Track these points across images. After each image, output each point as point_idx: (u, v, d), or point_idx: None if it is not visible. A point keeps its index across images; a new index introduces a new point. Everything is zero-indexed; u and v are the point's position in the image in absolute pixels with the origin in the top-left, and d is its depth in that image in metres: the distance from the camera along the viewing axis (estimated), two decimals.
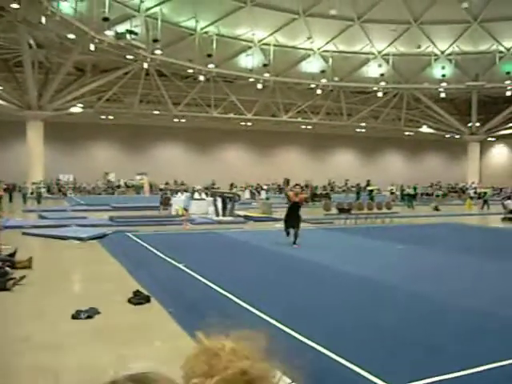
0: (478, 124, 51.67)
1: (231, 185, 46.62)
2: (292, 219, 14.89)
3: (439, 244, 16.61)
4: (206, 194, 28.93)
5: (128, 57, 38.08)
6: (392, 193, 40.25)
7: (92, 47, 34.54)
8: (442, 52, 47.12)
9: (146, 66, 40.19)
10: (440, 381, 5.26)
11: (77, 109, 42.88)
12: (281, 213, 27.49)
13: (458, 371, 5.45)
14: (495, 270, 11.98)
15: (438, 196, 38.94)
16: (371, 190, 35.93)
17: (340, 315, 7.88)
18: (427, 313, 8.05)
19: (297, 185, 18.37)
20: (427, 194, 46.18)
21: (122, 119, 47.99)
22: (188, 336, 6.96)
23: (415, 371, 5.48)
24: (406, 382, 5.17)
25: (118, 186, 48.95)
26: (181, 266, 11.54)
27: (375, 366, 5.59)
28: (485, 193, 33.59)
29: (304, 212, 26.68)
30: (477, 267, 12.46)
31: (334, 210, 24.34)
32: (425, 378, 5.27)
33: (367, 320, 7.59)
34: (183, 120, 49.27)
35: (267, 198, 35.68)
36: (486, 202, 32.36)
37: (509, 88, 46.44)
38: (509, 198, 31.34)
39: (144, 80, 43.06)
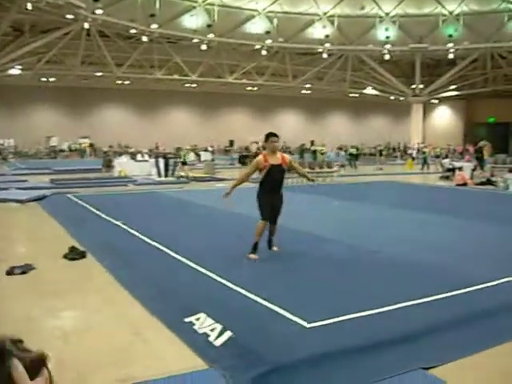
0: (421, 86, 52.47)
1: (178, 149, 46.26)
2: (275, 202, 8.60)
3: (375, 200, 17.24)
4: (150, 155, 28.91)
5: (68, 16, 36.98)
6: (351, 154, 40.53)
7: (29, 6, 33.49)
8: (387, 14, 47.52)
9: (86, 26, 39.09)
10: (354, 318, 5.70)
11: (15, 71, 41.60)
12: (224, 173, 28.03)
13: (372, 309, 5.90)
14: (427, 222, 12.60)
15: (381, 156, 39.80)
16: (315, 151, 36.48)
17: (270, 264, 8.26)
18: (355, 260, 8.52)
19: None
20: (370, 154, 47.19)
21: (63, 81, 46.89)
22: (121, 287, 7.23)
23: (332, 311, 5.88)
24: (322, 319, 5.59)
25: (61, 150, 48.12)
26: (119, 223, 11.73)
27: (294, 306, 5.98)
28: (424, 152, 34.46)
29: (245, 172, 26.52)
30: (407, 219, 13.06)
31: None
32: (339, 316, 5.69)
33: (293, 267, 8.01)
34: (127, 82, 48.47)
35: (212, 160, 35.80)
36: (425, 161, 33.28)
37: (451, 51, 47.23)
38: (446, 157, 32.37)
39: (85, 41, 42.03)
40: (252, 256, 8.34)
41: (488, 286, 6.87)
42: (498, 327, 5.68)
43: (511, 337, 5.40)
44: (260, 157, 8.51)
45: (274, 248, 8.90)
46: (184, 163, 25.60)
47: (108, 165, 26.30)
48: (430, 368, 4.66)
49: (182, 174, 24.66)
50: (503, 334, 5.48)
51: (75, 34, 40.29)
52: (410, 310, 6.01)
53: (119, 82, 48.04)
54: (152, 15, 40.91)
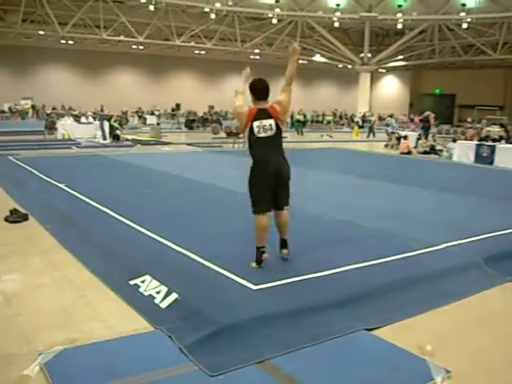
0: (369, 55, 52.82)
1: (125, 112, 45.42)
2: (276, 177, 6.05)
3: (320, 166, 17.47)
4: (94, 118, 28.34)
5: None
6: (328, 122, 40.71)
7: None
8: None
9: None
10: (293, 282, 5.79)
11: None
12: (170, 137, 27.83)
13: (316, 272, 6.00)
14: (372, 188, 12.87)
15: (328, 122, 40.09)
16: None
17: (219, 227, 8.27)
18: (302, 223, 8.59)
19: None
20: (317, 122, 47.50)
21: (4, 39, 45.13)
22: (64, 249, 7.13)
23: (278, 273, 5.95)
24: (269, 281, 5.65)
25: (2, 112, 46.64)
26: (61, 185, 11.52)
27: (241, 268, 6.04)
28: (370, 120, 34.87)
29: (192, 136, 26.74)
30: (354, 186, 13.27)
31: (223, 134, 24.72)
32: (286, 278, 5.77)
33: (241, 230, 8.02)
34: (71, 42, 47.16)
35: (158, 124, 35.39)
36: (371, 129, 33.68)
37: (400, 21, 47.55)
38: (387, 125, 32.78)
39: None
40: (254, 265, 6.10)
41: (429, 251, 7.06)
42: (437, 290, 5.86)
43: (451, 298, 5.61)
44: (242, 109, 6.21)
45: (284, 251, 6.39)
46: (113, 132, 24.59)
47: (51, 127, 25.65)
48: (375, 329, 4.80)
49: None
50: (442, 296, 5.68)
51: None
52: (354, 272, 6.14)
53: (63, 41, 46.65)
54: None
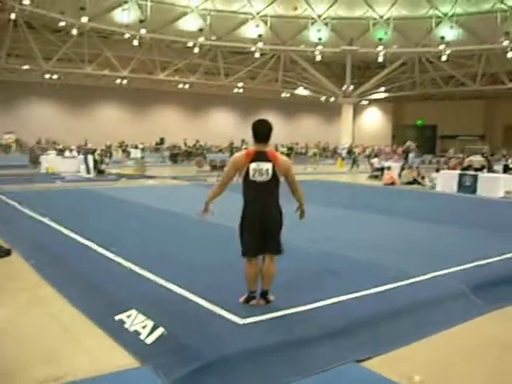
0: (351, 87, 53.48)
1: (109, 146, 45.33)
2: (266, 224, 5.85)
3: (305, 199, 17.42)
4: (78, 152, 28.33)
5: None
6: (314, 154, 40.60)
7: None
8: (319, 16, 48.18)
9: (13, 16, 37.94)
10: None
11: None
12: (155, 170, 27.80)
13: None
14: (356, 220, 12.88)
15: (314, 155, 40.29)
16: (246, 149, 36.60)
17: (203, 257, 8.22)
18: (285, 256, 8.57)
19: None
20: (300, 154, 47.83)
21: None
22: (48, 285, 7.04)
23: (265, 307, 5.92)
24: (256, 315, 5.61)
25: None
26: (45, 219, 11.43)
27: (227, 302, 5.98)
28: (354, 152, 35.17)
29: (176, 170, 26.76)
30: (337, 217, 13.29)
31: (207, 168, 24.78)
32: (273, 312, 5.73)
33: (225, 261, 7.98)
34: (55, 76, 47.28)
35: (142, 157, 35.43)
36: (355, 161, 33.94)
37: (381, 54, 48.32)
38: (376, 156, 33.08)
39: (12, 32, 40.76)
40: (242, 301, 6.00)
41: (414, 281, 7.06)
42: (424, 320, 5.86)
43: (439, 329, 5.61)
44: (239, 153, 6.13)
45: (261, 301, 6.02)
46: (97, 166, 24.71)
47: (35, 161, 25.60)
48: (364, 360, 4.78)
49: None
50: (429, 326, 5.67)
51: (1, 24, 39.00)
52: (341, 304, 6.12)
53: (47, 76, 46.73)
54: (82, 8, 40.06)
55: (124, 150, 43.87)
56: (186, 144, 46.16)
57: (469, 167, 22.29)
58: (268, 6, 46.98)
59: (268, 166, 5.73)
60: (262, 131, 5.85)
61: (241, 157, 5.84)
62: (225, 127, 57.58)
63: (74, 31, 41.25)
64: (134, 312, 5.70)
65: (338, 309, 5.99)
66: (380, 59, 49.35)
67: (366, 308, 6.02)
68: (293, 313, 5.78)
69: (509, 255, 8.73)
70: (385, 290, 6.65)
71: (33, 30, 41.75)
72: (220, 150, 51.47)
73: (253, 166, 5.71)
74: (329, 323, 5.53)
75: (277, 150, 36.65)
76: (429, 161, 40.84)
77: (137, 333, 5.24)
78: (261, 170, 5.72)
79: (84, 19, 40.61)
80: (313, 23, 48.63)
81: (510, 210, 16.65)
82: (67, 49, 43.93)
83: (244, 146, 38.92)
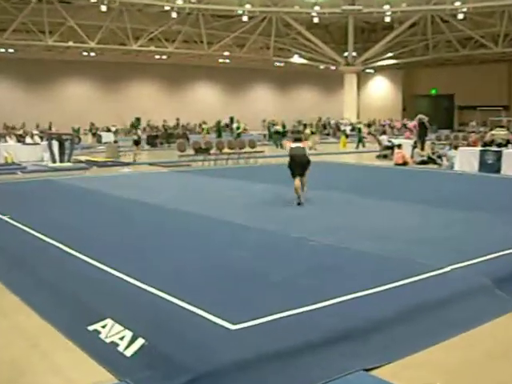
0: (354, 54, 53.27)
1: (76, 130, 45.12)
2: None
3: None
4: (41, 137, 28.22)
5: None
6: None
7: None
8: None
9: None
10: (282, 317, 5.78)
11: None
12: (130, 156, 27.68)
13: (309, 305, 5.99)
14: (365, 207, 12.94)
15: (312, 133, 40.26)
16: (238, 127, 36.68)
17: (184, 254, 8.26)
18: (286, 250, 8.62)
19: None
20: (298, 132, 47.68)
21: None
22: (11, 293, 7.05)
23: (260, 309, 5.94)
24: (249, 319, 5.64)
25: None
26: (5, 218, 11.45)
27: (214, 305, 6.02)
28: (359, 129, 35.17)
29: (155, 155, 26.90)
30: (345, 204, 13.35)
31: (191, 151, 24.69)
32: (268, 315, 5.76)
33: (212, 258, 8.03)
34: (11, 50, 46.99)
35: (115, 141, 35.27)
36: (360, 139, 34.00)
37: (388, 14, 47.87)
38: (384, 133, 33.12)
39: None
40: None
41: (431, 276, 7.09)
42: (442, 321, 5.89)
43: (460, 330, 5.62)
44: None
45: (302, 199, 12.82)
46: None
47: None
48: (374, 368, 4.78)
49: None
50: (448, 327, 5.70)
51: None
52: (347, 304, 6.14)
53: (2, 50, 46.43)
54: None
55: (94, 134, 43.63)
56: (164, 126, 45.97)
57: (491, 143, 22.31)
58: None
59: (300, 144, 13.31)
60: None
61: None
62: (210, 103, 57.44)
63: None
64: (109, 321, 5.72)
65: (342, 310, 6.01)
66: (387, 19, 49.08)
67: (375, 308, 6.04)
68: (291, 315, 5.79)
69: None
70: (396, 287, 6.68)
71: None
72: (207, 131, 51.16)
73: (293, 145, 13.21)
74: (332, 327, 5.54)
75: (269, 128, 36.62)
76: (446, 136, 40.88)
77: (114, 344, 5.26)
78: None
79: None
80: None
81: None
82: (24, 18, 43.54)
83: (235, 125, 38.72)
